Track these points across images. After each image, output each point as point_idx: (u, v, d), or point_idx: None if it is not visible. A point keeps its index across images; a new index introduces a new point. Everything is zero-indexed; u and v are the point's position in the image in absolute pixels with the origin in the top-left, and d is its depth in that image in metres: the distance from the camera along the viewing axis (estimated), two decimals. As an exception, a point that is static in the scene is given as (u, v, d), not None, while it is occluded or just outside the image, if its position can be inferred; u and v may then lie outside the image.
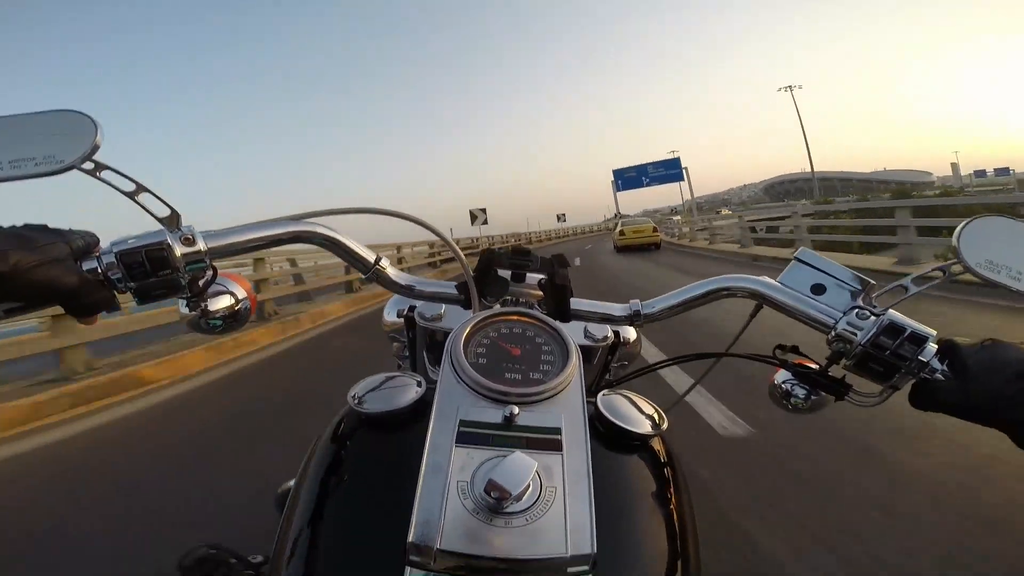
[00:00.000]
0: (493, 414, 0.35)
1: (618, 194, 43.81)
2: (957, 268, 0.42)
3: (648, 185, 42.03)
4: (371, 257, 0.50)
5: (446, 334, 0.44)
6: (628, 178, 42.89)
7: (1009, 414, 0.37)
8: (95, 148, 0.37)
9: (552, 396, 0.36)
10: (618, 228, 17.59)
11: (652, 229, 16.80)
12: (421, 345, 0.67)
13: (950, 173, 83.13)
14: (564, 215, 36.86)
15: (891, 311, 0.42)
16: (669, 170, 40.70)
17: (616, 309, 0.51)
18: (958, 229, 0.42)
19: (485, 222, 17.90)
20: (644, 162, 41.70)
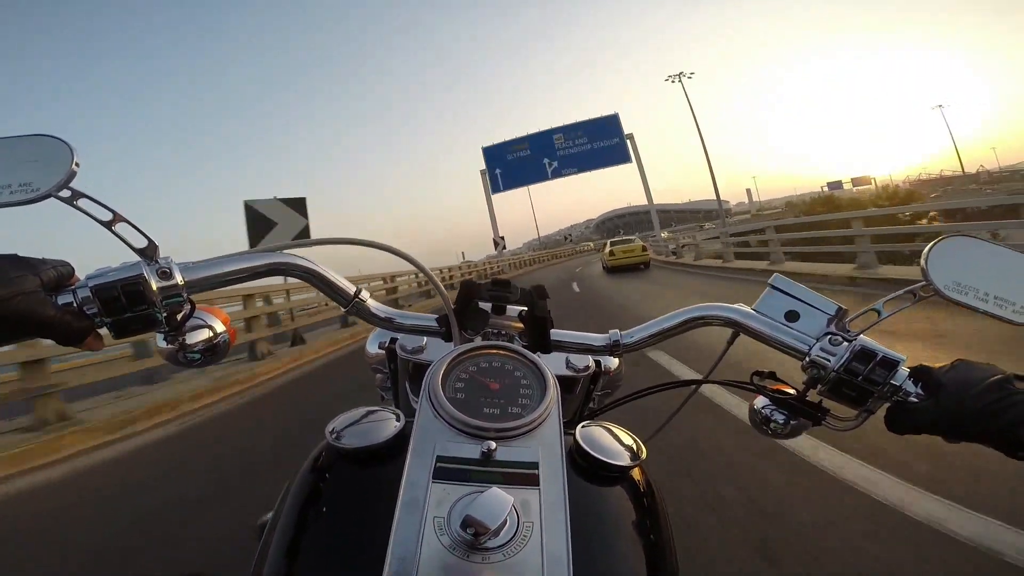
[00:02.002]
0: (471, 449, 0.36)
1: (497, 199, 24.42)
2: (926, 290, 0.44)
3: (559, 174, 23.04)
4: (351, 289, 0.50)
5: (428, 366, 0.44)
6: (517, 164, 22.92)
7: (983, 426, 0.39)
8: (71, 175, 0.37)
9: (530, 431, 0.38)
10: (607, 248, 17.64)
11: (641, 248, 16.97)
12: (403, 377, 0.67)
13: (746, 200, 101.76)
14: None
15: (862, 336, 0.44)
16: (599, 140, 21.86)
17: (596, 339, 0.53)
18: (926, 250, 0.44)
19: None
20: (550, 127, 22.52)
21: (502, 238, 23.82)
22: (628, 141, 23.13)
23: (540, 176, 24.02)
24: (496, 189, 24.97)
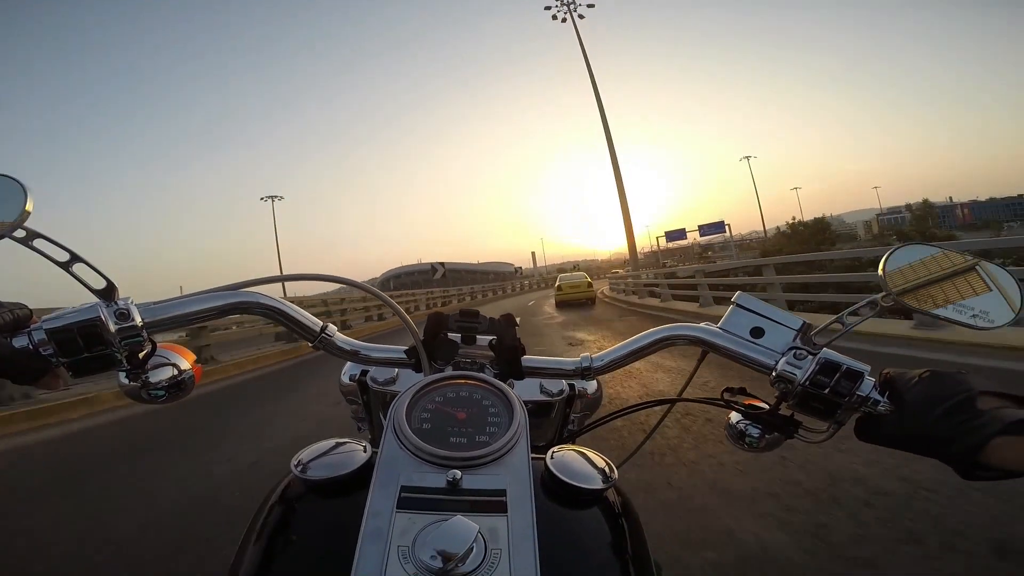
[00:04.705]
0: (436, 479, 0.38)
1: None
2: (886, 299, 0.46)
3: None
4: (317, 326, 0.53)
5: None
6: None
7: (946, 448, 0.40)
8: (25, 216, 0.39)
9: (497, 458, 0.39)
10: (557, 283, 18.73)
11: (587, 284, 17.79)
12: (377, 407, 0.71)
13: (531, 264, 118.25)
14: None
15: (826, 349, 0.47)
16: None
17: (567, 363, 0.57)
18: (883, 260, 0.47)
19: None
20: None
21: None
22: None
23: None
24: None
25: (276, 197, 44.22)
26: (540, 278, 57.82)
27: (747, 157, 64.61)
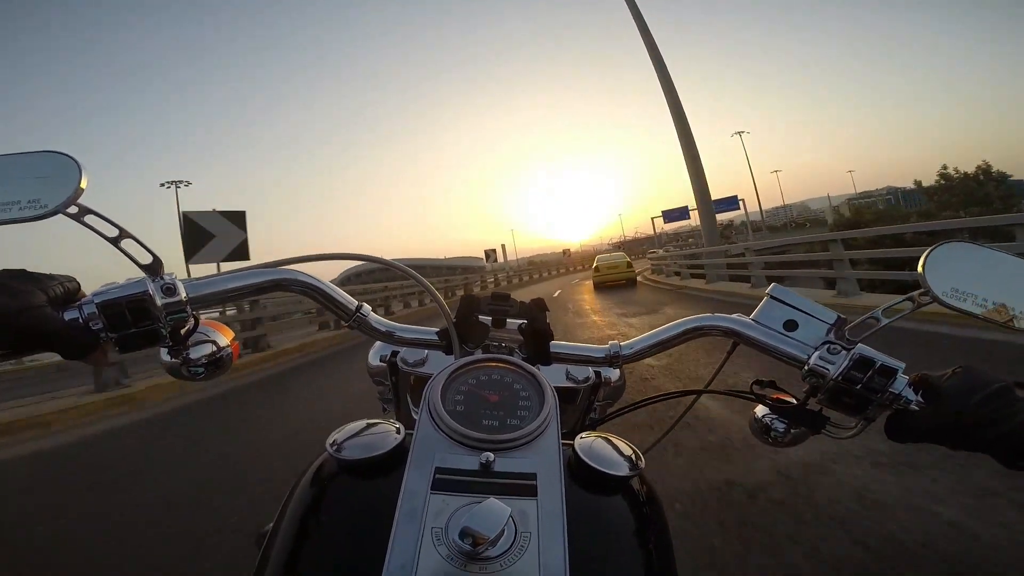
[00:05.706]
0: (470, 461, 0.38)
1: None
2: (925, 297, 0.45)
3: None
4: (352, 305, 0.54)
5: (428, 379, 0.45)
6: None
7: (986, 435, 0.39)
8: (79, 192, 0.40)
9: (528, 442, 0.40)
10: (595, 264, 17.93)
11: (627, 264, 16.77)
12: (404, 388, 0.72)
13: (502, 259, 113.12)
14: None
15: (861, 344, 0.46)
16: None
17: (596, 351, 0.55)
18: (923, 257, 0.46)
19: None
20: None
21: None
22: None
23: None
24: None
25: (182, 182, 40.09)
26: (513, 271, 45.27)
27: (740, 132, 56.68)
